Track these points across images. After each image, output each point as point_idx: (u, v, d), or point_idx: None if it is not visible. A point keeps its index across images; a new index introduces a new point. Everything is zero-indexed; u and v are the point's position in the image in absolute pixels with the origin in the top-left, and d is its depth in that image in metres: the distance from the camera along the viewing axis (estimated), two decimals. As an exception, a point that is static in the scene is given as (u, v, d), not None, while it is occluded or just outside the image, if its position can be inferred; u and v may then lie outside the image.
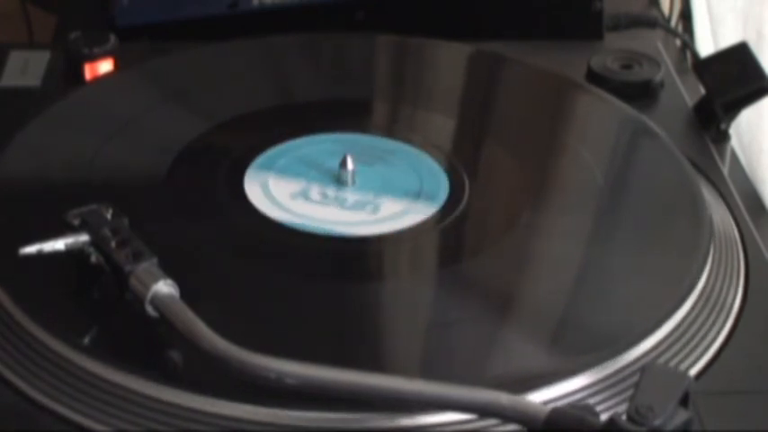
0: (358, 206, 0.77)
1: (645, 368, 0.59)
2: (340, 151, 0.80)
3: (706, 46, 1.10)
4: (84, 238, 0.67)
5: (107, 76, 0.90)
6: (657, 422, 0.56)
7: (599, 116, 0.88)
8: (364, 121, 0.87)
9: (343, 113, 0.87)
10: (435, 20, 1.02)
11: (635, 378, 0.60)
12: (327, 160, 0.80)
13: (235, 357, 0.60)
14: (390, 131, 0.85)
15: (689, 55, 1.03)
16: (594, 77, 0.92)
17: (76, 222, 0.67)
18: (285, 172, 0.80)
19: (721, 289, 0.72)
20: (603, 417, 0.58)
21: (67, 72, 0.91)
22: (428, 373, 0.65)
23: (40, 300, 0.68)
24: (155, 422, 0.62)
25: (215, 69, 0.91)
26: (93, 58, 0.90)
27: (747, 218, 0.80)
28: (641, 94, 0.91)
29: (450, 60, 0.94)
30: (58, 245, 0.67)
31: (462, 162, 0.81)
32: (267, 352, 0.60)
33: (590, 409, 0.59)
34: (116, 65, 0.91)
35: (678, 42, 1.07)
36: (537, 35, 1.01)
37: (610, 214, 0.77)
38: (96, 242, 0.67)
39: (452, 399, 0.60)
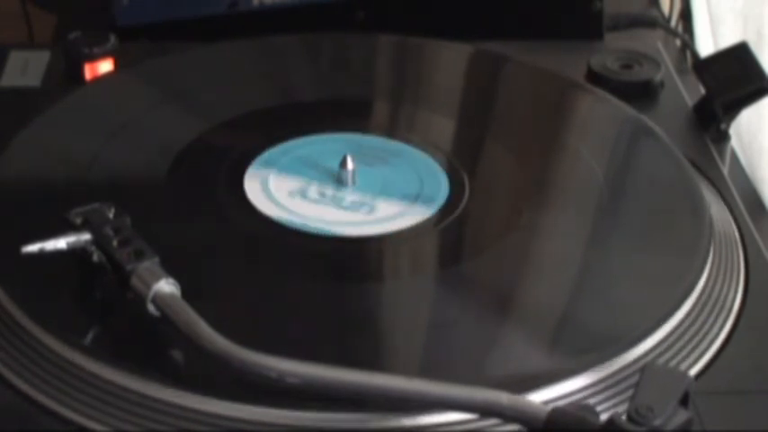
0: (359, 206, 0.77)
1: (645, 368, 0.59)
2: (340, 151, 0.80)
3: (706, 46, 1.10)
4: (86, 236, 0.67)
5: (107, 76, 0.90)
6: (657, 422, 0.56)
7: (599, 116, 0.88)
8: (364, 121, 0.87)
9: (343, 113, 0.87)
10: (435, 20, 1.02)
11: (635, 378, 0.60)
12: (327, 160, 0.80)
13: (236, 356, 0.60)
14: (391, 131, 0.85)
15: (689, 55, 1.03)
16: (594, 77, 0.92)
17: (79, 221, 0.68)
18: (285, 172, 0.80)
19: (721, 289, 0.72)
20: (604, 417, 0.58)
21: (67, 72, 0.91)
22: (428, 373, 0.65)
23: (41, 299, 0.68)
24: (156, 422, 0.61)
25: (215, 69, 0.91)
26: (93, 58, 0.90)
27: (747, 218, 0.80)
28: (641, 94, 0.91)
29: (450, 60, 0.94)
30: (60, 243, 0.67)
31: (462, 162, 0.81)
32: (268, 351, 0.60)
33: (590, 409, 0.59)
34: (116, 65, 0.91)
35: (678, 42, 1.07)
36: (537, 35, 1.01)
37: (610, 214, 0.77)
38: (98, 241, 0.67)
39: (452, 398, 0.60)
